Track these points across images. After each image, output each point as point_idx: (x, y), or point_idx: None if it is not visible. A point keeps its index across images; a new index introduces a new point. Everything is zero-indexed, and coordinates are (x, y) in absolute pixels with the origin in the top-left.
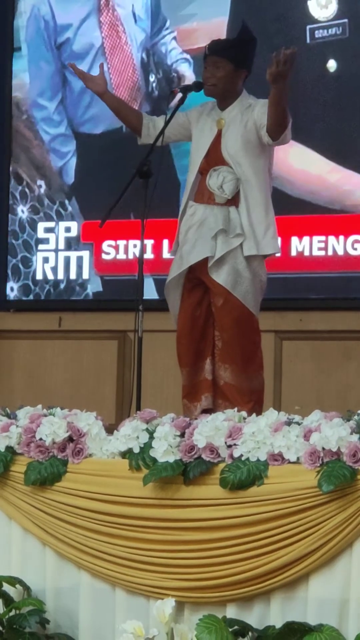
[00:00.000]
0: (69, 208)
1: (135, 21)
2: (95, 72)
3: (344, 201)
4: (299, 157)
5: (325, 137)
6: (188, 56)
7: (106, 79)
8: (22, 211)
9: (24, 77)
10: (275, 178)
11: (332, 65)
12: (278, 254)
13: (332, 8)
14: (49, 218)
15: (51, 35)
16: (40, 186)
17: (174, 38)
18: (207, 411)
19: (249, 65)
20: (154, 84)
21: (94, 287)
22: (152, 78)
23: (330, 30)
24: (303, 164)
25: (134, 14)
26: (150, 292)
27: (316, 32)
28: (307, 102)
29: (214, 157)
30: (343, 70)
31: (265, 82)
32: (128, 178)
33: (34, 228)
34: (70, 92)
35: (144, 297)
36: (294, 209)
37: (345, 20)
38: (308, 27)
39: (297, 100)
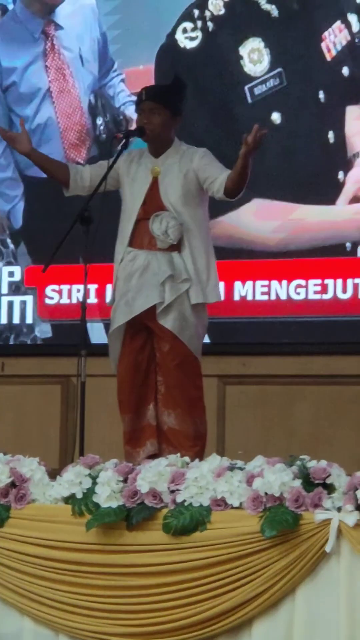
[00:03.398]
0: (10, 246)
1: (83, 64)
2: (43, 114)
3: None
4: (265, 211)
5: (285, 185)
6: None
7: (29, 137)
8: None
9: None
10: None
11: (276, 117)
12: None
13: (265, 60)
14: None
15: None
16: None
17: (122, 80)
18: (152, 457)
19: (182, 112)
20: (102, 127)
21: (37, 331)
22: (99, 121)
23: (268, 83)
24: (268, 216)
25: (81, 57)
26: (100, 336)
27: (255, 89)
28: (259, 157)
29: (152, 205)
30: (287, 119)
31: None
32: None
33: None
34: None
35: (94, 342)
36: (237, 253)
37: (280, 69)
38: (246, 87)
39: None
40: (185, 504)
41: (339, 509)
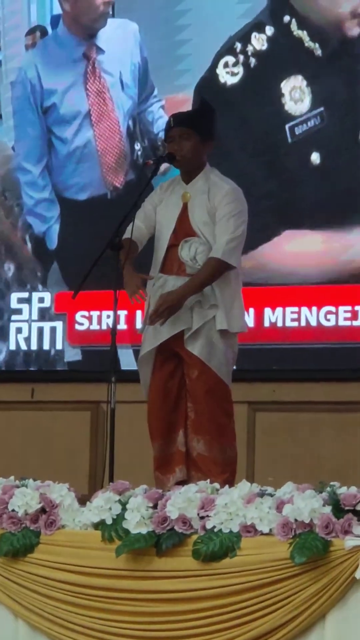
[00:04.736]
0: (43, 296)
1: (123, 88)
2: (82, 136)
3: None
4: (296, 242)
5: (325, 223)
6: None
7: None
8: None
9: (6, 143)
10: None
11: (315, 157)
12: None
13: (307, 99)
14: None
15: (37, 100)
16: (9, 269)
17: (162, 107)
18: (181, 483)
19: (214, 135)
20: (139, 152)
21: (67, 358)
22: (137, 146)
23: (309, 122)
24: (301, 247)
25: (121, 82)
26: (130, 362)
27: (296, 128)
28: (299, 196)
29: (182, 231)
30: (326, 159)
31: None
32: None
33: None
34: (55, 157)
35: (124, 368)
36: (267, 280)
37: (322, 108)
38: (287, 126)
39: (290, 199)
40: (215, 530)
41: None
